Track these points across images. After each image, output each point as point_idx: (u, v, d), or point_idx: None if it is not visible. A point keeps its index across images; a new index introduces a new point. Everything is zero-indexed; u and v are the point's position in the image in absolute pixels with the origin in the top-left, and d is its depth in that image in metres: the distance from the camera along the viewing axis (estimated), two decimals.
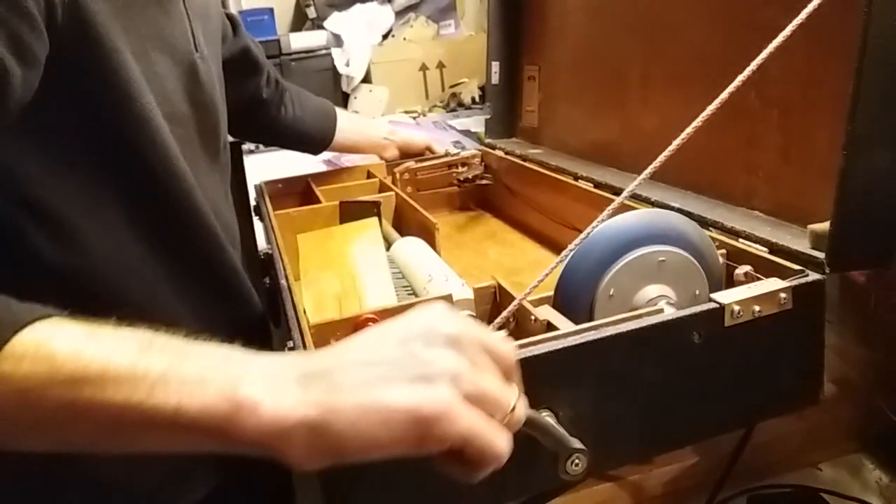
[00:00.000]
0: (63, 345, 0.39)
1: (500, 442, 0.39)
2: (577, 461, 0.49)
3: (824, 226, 0.62)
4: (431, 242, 0.90)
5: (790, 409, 0.66)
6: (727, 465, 0.74)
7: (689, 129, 0.60)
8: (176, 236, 0.69)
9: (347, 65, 2.16)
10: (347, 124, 1.23)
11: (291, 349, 0.60)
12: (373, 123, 1.37)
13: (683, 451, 0.77)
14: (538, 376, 0.54)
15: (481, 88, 2.18)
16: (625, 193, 0.62)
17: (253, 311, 0.79)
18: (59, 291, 0.63)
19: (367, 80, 2.19)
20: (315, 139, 1.20)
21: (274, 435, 0.37)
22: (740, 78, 0.59)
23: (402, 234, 0.97)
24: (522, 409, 0.41)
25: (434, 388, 0.37)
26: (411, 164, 1.26)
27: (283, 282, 0.76)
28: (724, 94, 0.59)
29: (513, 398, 0.41)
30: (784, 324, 0.60)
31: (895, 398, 0.81)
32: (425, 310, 0.42)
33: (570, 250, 0.62)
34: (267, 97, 1.11)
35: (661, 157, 0.61)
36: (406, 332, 0.40)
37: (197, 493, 0.72)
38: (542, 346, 0.54)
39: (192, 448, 0.39)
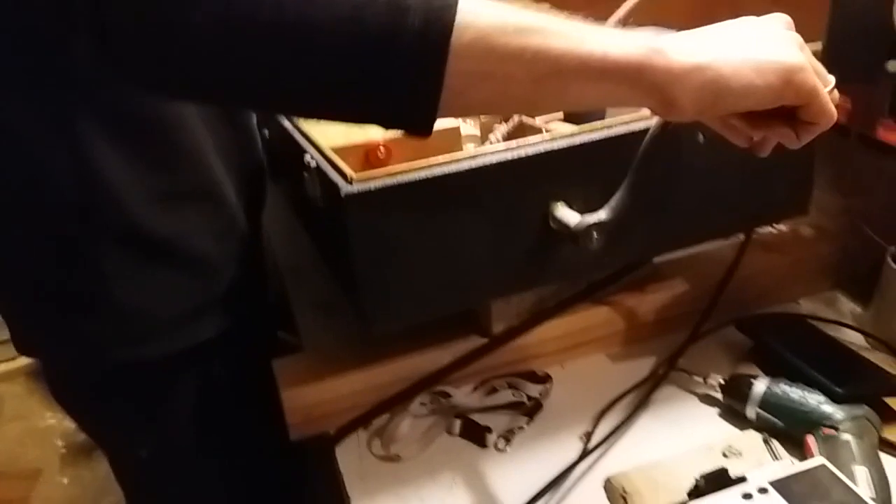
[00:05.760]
0: (498, 8, 0.43)
1: (832, 107, 0.47)
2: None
3: (815, 45, 0.65)
4: None
5: (784, 215, 0.70)
6: (716, 291, 0.79)
7: None
8: None
9: None
10: None
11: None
12: None
13: (674, 281, 0.81)
14: (553, 171, 0.57)
15: None
16: None
17: (258, 158, 0.86)
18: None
19: None
20: None
21: (677, 75, 0.44)
22: None
23: None
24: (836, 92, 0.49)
25: (794, 50, 0.46)
26: None
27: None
28: None
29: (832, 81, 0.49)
30: None
31: (867, 239, 0.86)
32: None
33: None
34: None
35: None
36: (757, 21, 0.48)
37: (208, 331, 0.76)
38: (558, 142, 0.57)
39: (607, 96, 0.46)
